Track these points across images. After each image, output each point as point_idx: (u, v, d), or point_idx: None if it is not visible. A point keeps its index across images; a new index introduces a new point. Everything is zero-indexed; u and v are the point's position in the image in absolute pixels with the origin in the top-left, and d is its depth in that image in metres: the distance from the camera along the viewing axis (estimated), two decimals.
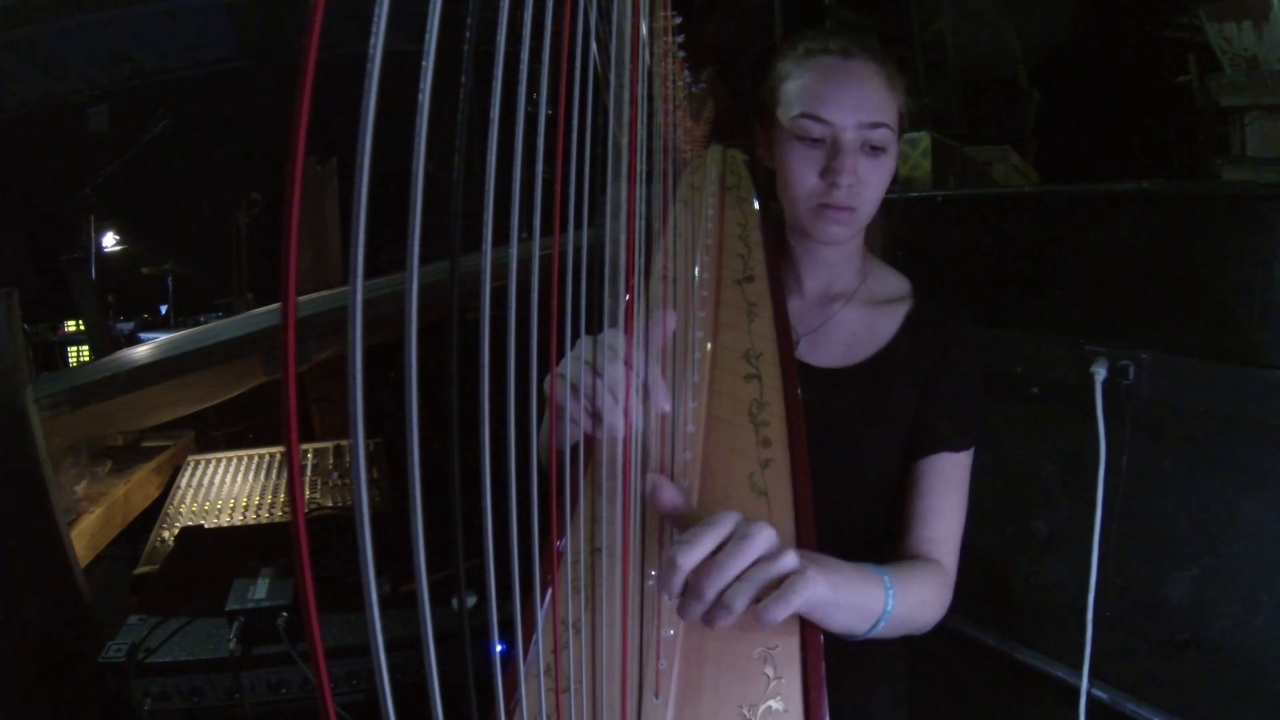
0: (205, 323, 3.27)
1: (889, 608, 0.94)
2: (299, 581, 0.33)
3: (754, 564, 0.78)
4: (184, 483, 2.24)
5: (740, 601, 0.76)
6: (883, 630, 0.95)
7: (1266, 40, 1.88)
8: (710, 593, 0.76)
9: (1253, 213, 1.39)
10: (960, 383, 1.20)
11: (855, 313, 1.26)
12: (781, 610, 0.77)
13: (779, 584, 0.78)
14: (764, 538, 0.78)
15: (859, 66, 1.15)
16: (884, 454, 1.21)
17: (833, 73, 1.15)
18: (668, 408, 0.93)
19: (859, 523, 1.21)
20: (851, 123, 1.13)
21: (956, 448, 1.17)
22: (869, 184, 1.15)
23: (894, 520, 1.18)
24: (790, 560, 0.79)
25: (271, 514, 2.05)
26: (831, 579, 0.83)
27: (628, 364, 0.86)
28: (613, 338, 0.87)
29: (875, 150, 1.14)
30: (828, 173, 1.14)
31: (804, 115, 1.14)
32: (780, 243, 1.32)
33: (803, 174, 1.16)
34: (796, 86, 1.17)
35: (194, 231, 3.97)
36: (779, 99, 1.20)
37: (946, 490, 1.16)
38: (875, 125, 1.13)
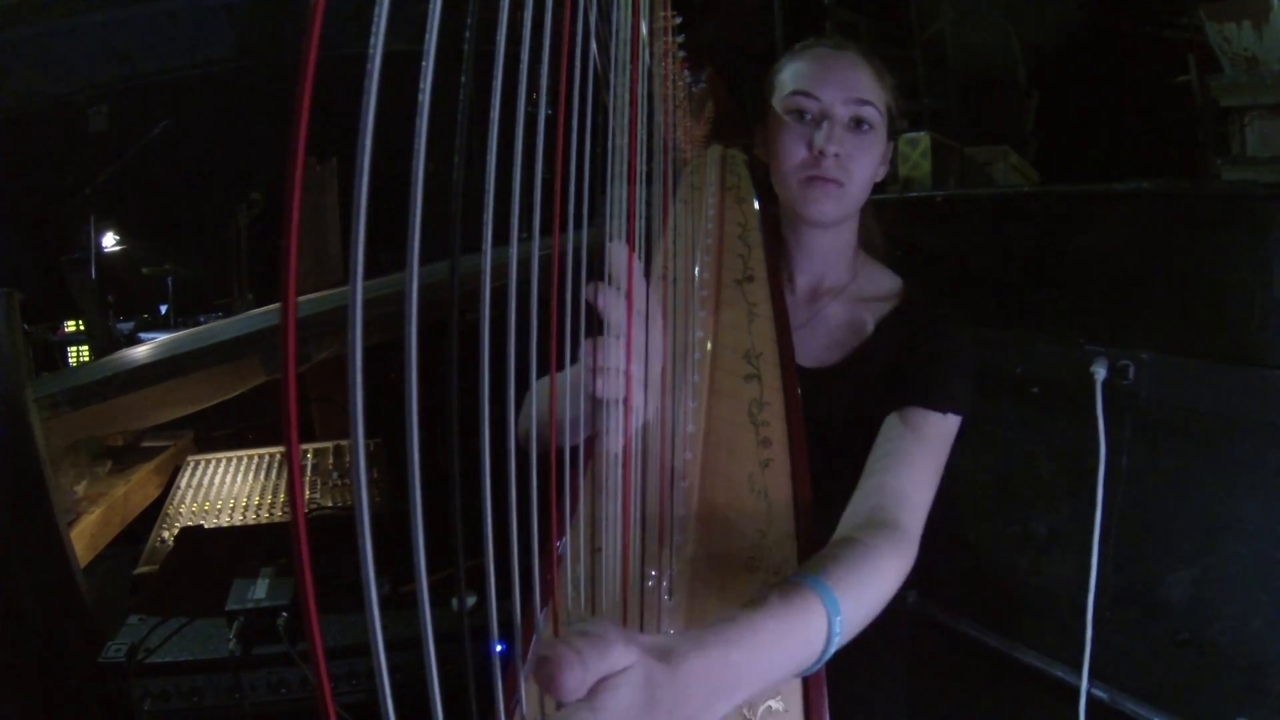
0: (205, 323, 3.26)
1: (835, 632, 0.76)
2: (299, 581, 0.33)
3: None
4: (184, 483, 2.23)
5: None
6: (842, 639, 0.77)
7: (1266, 40, 1.87)
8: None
9: (1252, 213, 1.39)
10: (939, 347, 1.17)
11: (842, 308, 1.29)
12: None
13: None
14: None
15: (849, 55, 1.23)
16: (865, 450, 1.21)
17: (824, 58, 1.24)
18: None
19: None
20: (839, 98, 1.20)
21: (933, 404, 1.09)
22: (856, 160, 1.21)
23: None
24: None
25: (271, 514, 2.05)
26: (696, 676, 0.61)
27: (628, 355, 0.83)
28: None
29: (862, 126, 1.21)
30: (815, 143, 1.20)
31: (796, 93, 1.22)
32: (778, 240, 1.33)
33: (793, 148, 1.22)
34: (790, 72, 1.25)
35: (194, 232, 3.96)
36: (774, 88, 1.27)
37: (918, 446, 1.06)
38: (863, 102, 1.20)
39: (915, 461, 1.04)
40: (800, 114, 1.22)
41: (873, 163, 1.23)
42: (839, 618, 0.76)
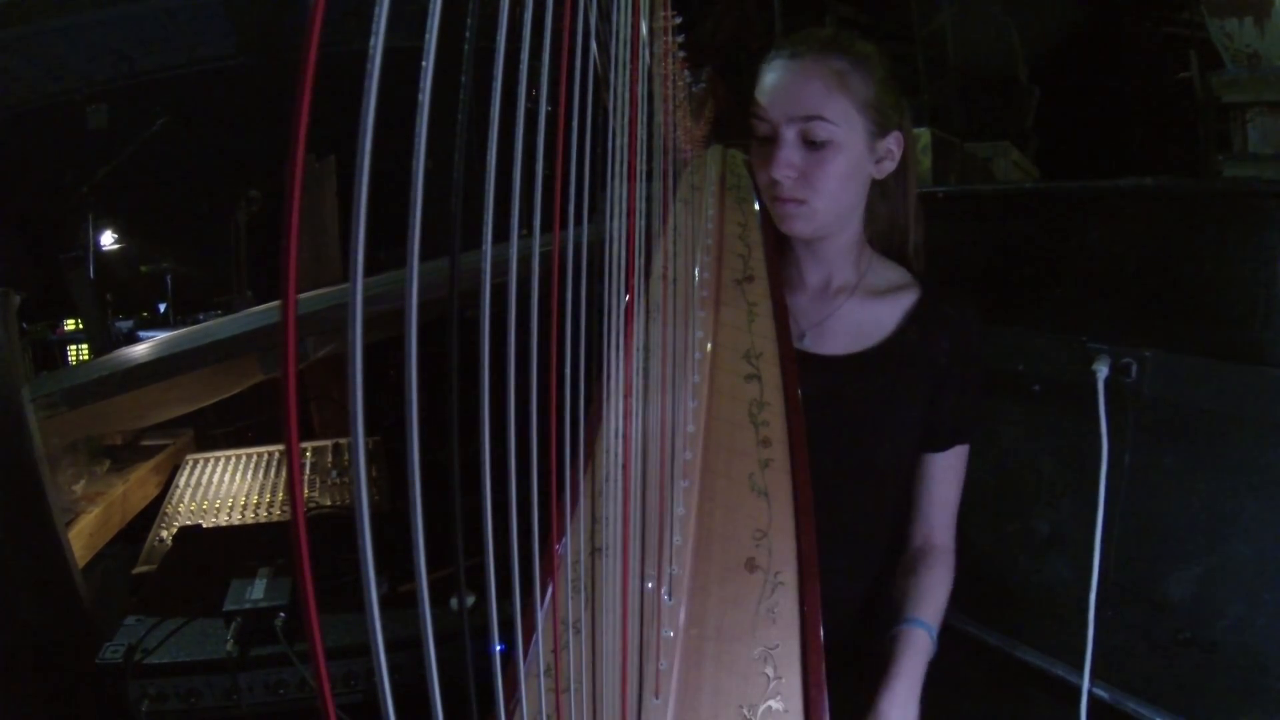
0: (204, 321, 3.26)
1: (933, 648, 1.17)
2: (299, 581, 0.33)
3: None
4: (183, 482, 2.23)
5: None
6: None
7: (1268, 36, 1.88)
8: None
9: (1254, 209, 1.39)
10: (969, 380, 1.27)
11: (858, 304, 1.29)
12: None
13: None
14: None
15: (802, 65, 1.20)
16: (895, 438, 1.24)
17: (776, 72, 1.21)
18: None
19: (868, 507, 1.24)
20: (783, 116, 1.19)
21: (966, 439, 1.28)
22: (814, 177, 1.19)
23: (903, 506, 1.31)
24: None
25: (270, 513, 2.05)
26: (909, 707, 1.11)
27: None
28: None
29: (815, 144, 1.18)
30: (767, 166, 1.21)
31: (751, 115, 1.23)
32: (781, 241, 1.33)
33: (758, 171, 1.25)
34: (757, 87, 1.24)
35: (193, 229, 3.95)
36: None
37: (953, 480, 1.28)
38: (809, 118, 1.17)
39: (953, 496, 1.29)
40: (759, 136, 1.23)
41: (838, 174, 1.20)
42: (933, 640, 1.17)
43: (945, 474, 1.28)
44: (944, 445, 1.27)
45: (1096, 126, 3.05)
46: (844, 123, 1.18)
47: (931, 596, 1.20)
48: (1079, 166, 2.91)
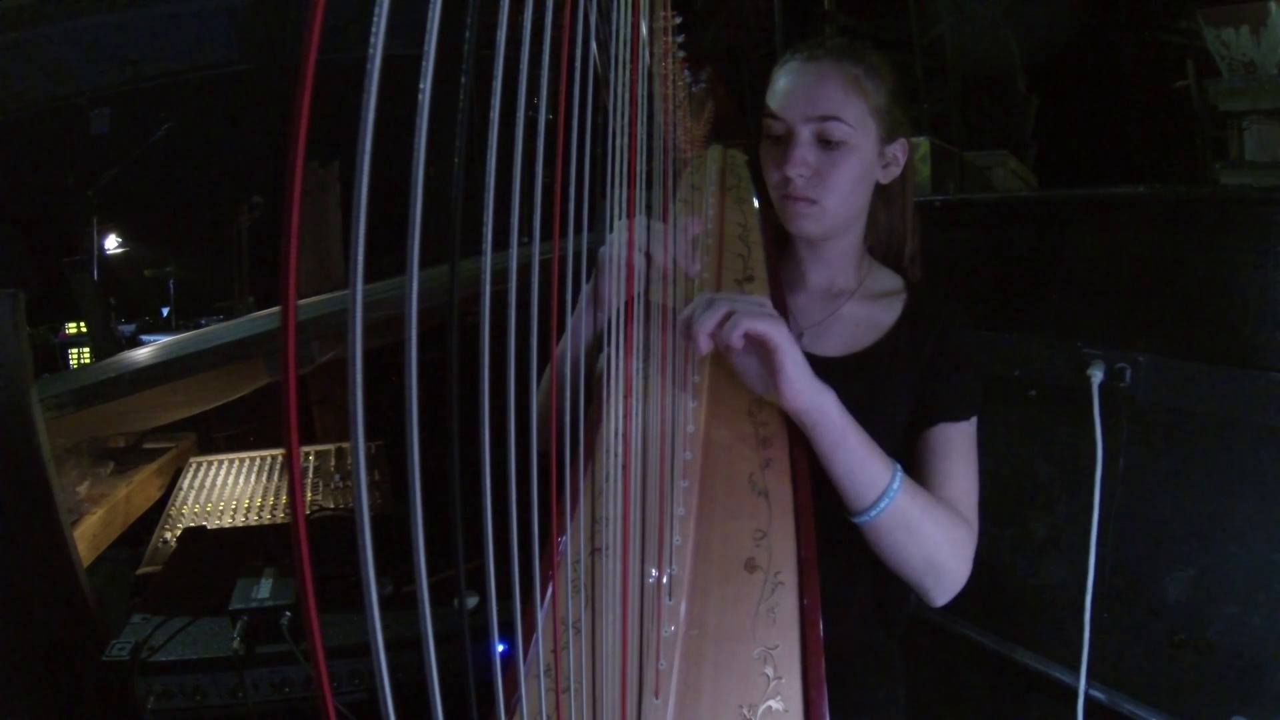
0: (206, 325, 3.27)
1: (894, 486, 1.03)
2: (299, 582, 0.33)
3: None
4: (186, 484, 2.24)
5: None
6: (888, 512, 1.03)
7: (1264, 45, 1.89)
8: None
9: (1250, 216, 1.39)
10: (955, 358, 1.24)
11: (858, 306, 1.30)
12: (736, 326, 0.98)
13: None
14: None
15: (819, 67, 1.21)
16: (887, 439, 1.23)
17: (793, 73, 1.22)
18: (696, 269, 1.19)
19: None
20: (800, 116, 1.19)
21: (956, 417, 1.21)
22: (827, 177, 1.20)
23: None
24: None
25: (274, 515, 2.05)
26: (829, 396, 1.02)
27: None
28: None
29: (830, 144, 1.19)
30: (781, 164, 1.21)
31: (765, 114, 1.23)
32: (784, 242, 1.34)
33: (769, 169, 1.25)
34: (770, 89, 1.25)
35: (196, 234, 3.96)
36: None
37: (954, 456, 1.20)
38: (825, 118, 1.18)
39: (959, 473, 1.20)
40: (772, 136, 1.23)
41: (851, 175, 1.21)
42: (896, 486, 1.04)
43: (940, 450, 1.19)
44: (929, 422, 1.20)
45: (1094, 135, 3.05)
46: (858, 125, 1.19)
47: (925, 494, 1.10)
48: (1077, 174, 2.91)
